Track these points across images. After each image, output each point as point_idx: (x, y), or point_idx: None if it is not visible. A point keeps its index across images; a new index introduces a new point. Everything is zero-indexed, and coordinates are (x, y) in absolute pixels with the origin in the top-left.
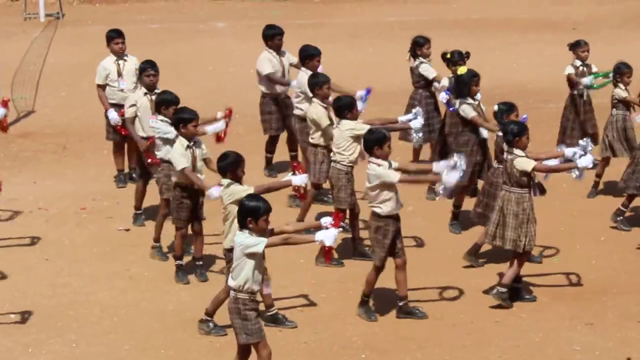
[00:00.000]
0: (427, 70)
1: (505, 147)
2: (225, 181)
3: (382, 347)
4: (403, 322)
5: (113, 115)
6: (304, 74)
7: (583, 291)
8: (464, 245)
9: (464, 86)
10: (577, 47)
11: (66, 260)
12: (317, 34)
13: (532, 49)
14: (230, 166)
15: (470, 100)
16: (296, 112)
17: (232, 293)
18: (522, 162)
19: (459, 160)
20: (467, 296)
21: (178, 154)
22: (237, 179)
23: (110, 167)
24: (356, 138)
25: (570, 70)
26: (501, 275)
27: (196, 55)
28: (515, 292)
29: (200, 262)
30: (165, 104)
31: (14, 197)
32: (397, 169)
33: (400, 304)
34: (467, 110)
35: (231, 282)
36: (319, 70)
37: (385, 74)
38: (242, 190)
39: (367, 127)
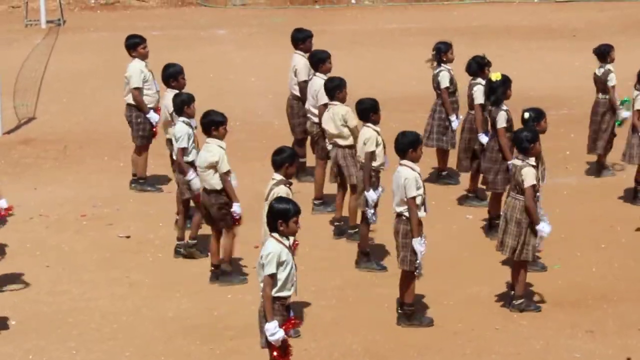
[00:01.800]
0: (443, 78)
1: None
2: (278, 176)
3: (382, 354)
4: (403, 329)
5: (154, 116)
6: (318, 79)
7: (583, 299)
8: (464, 253)
9: (500, 91)
10: (611, 50)
11: (66, 267)
12: (318, 41)
13: (532, 56)
14: (286, 160)
15: (505, 107)
16: (315, 119)
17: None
18: (527, 175)
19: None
20: (467, 304)
21: (224, 157)
22: (289, 175)
23: (110, 173)
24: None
25: (615, 81)
26: (509, 284)
27: (197, 62)
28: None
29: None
30: (189, 102)
31: (14, 203)
32: None
33: (403, 310)
34: (501, 119)
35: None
36: None
37: (386, 81)
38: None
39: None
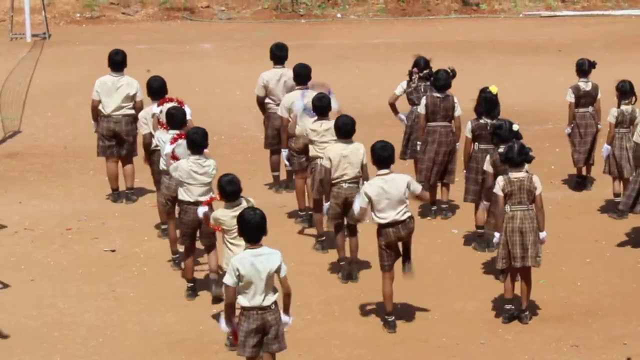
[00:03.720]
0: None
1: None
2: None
3: None
4: (389, 344)
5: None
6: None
7: (568, 313)
8: (448, 267)
9: (494, 106)
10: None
11: (51, 281)
12: (303, 55)
13: (517, 71)
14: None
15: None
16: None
17: (275, 305)
18: (538, 182)
19: None
20: (452, 318)
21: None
22: None
23: (96, 187)
24: None
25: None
26: (509, 298)
27: (182, 76)
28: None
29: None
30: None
31: None
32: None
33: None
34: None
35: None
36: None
37: (371, 95)
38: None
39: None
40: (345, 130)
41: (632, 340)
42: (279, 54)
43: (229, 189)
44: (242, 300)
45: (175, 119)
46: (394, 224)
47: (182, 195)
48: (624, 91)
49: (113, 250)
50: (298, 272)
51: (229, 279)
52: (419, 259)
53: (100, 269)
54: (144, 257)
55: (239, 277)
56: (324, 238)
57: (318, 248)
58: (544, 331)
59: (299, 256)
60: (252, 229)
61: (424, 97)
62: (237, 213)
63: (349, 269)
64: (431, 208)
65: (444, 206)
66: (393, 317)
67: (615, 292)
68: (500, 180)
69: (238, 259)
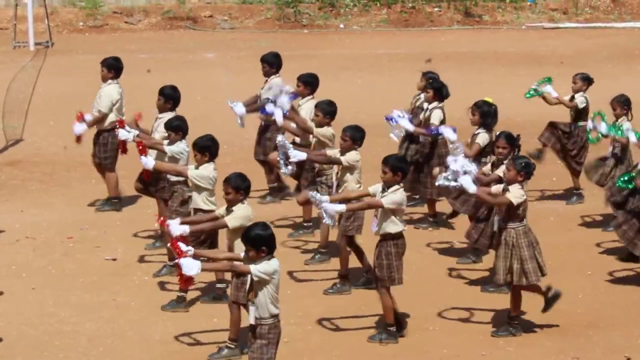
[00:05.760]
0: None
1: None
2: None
3: None
4: (389, 355)
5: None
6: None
7: (569, 325)
8: (449, 278)
9: (491, 118)
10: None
11: (53, 290)
12: (305, 65)
13: (519, 83)
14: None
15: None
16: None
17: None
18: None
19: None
20: (453, 329)
21: None
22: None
23: (97, 196)
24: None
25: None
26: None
27: (185, 85)
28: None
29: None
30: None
31: (0, 226)
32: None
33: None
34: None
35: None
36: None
37: (373, 107)
38: None
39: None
40: (363, 135)
41: (633, 353)
42: (279, 63)
43: (247, 184)
44: (276, 309)
45: (185, 128)
46: None
47: (202, 203)
48: (630, 104)
49: (114, 259)
50: (299, 282)
51: (257, 271)
52: (420, 268)
53: (101, 277)
54: (145, 266)
55: (273, 277)
56: (326, 250)
57: (319, 259)
58: (544, 343)
59: (300, 266)
60: (274, 240)
61: (440, 111)
62: (250, 213)
63: (367, 277)
64: (431, 219)
65: (445, 217)
66: (394, 328)
67: (617, 304)
68: (522, 194)
69: (277, 265)
